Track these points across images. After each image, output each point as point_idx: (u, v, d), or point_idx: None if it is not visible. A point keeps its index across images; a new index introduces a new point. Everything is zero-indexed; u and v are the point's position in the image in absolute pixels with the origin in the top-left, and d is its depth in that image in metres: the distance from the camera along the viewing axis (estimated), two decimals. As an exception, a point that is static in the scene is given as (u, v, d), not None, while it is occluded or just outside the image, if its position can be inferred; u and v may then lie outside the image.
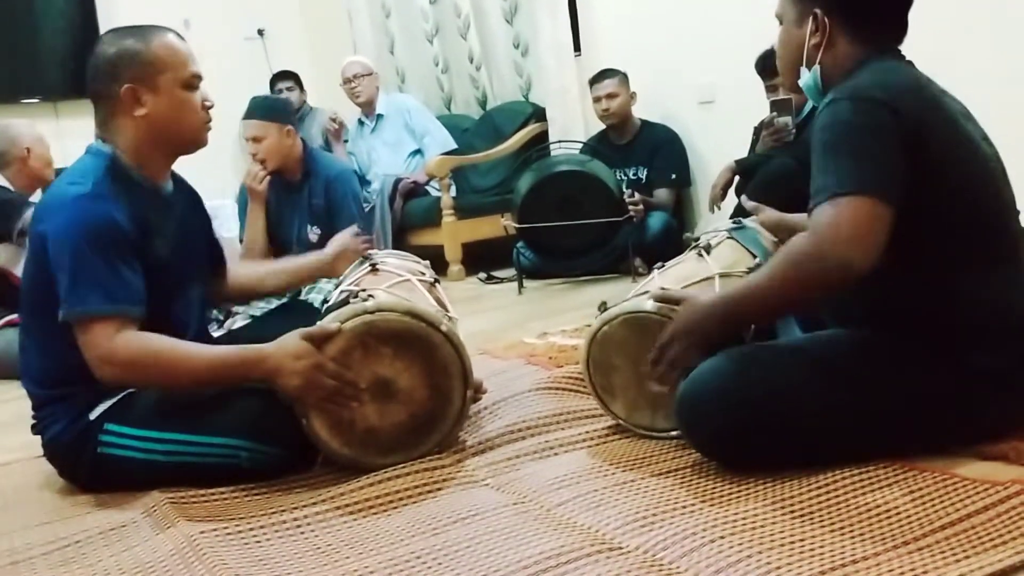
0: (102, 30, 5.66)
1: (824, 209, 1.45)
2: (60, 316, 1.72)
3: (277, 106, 3.62)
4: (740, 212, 3.36)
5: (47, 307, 1.76)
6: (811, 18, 1.63)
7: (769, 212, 2.04)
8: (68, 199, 1.78)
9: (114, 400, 1.82)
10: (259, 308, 3.33)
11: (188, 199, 2.05)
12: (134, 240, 1.78)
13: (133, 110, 1.84)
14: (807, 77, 1.67)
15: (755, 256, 1.98)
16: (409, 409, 1.79)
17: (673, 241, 4.02)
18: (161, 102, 1.85)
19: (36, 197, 3.68)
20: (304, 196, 3.59)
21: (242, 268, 2.32)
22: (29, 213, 3.41)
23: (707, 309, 1.62)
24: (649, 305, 1.75)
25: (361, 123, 5.20)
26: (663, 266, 2.04)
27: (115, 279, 1.72)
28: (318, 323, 1.77)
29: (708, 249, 2.01)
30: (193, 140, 1.93)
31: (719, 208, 3.91)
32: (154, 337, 1.73)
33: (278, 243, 3.68)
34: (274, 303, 3.30)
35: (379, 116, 5.12)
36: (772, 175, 3.40)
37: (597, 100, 4.40)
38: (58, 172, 3.66)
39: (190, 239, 2.01)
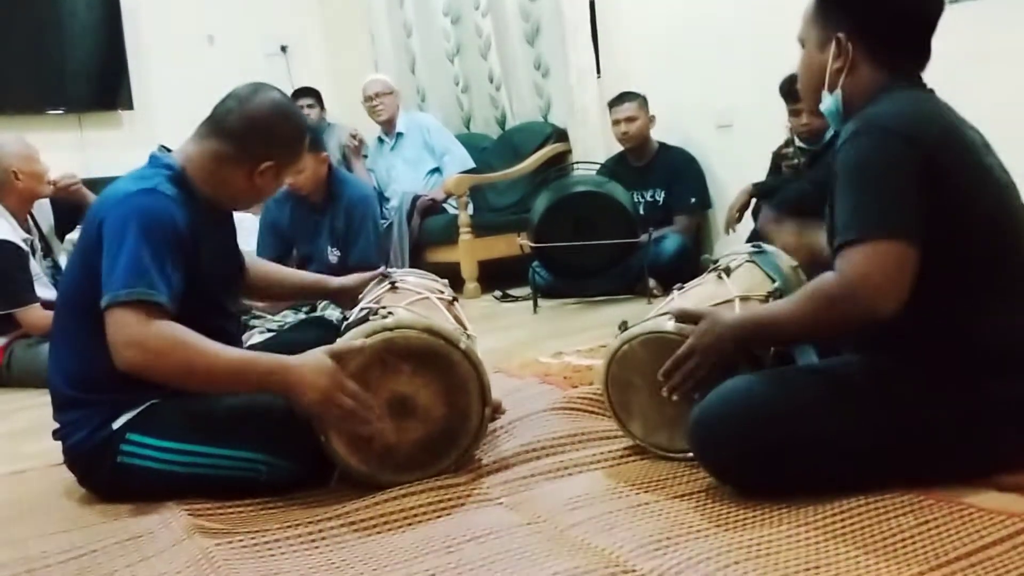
0: (128, 43, 5.74)
1: (852, 253, 1.47)
2: (104, 300, 1.73)
3: (314, 135, 3.60)
4: (757, 236, 3.38)
5: (89, 302, 1.77)
6: (834, 43, 1.63)
7: (788, 232, 2.05)
8: (131, 192, 1.82)
9: (138, 411, 1.83)
10: (275, 323, 3.36)
11: (231, 221, 2.11)
12: (186, 243, 1.82)
13: (254, 177, 1.93)
14: (829, 101, 1.68)
15: (774, 280, 1.98)
16: (427, 427, 1.79)
17: (688, 263, 4.02)
18: (272, 185, 1.99)
19: (35, 209, 3.63)
20: (327, 217, 3.61)
21: (260, 268, 2.35)
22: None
23: (730, 328, 1.65)
24: (670, 326, 1.75)
25: (381, 141, 5.24)
26: (683, 287, 2.04)
27: (160, 271, 1.75)
28: (340, 340, 1.78)
29: (728, 272, 2.01)
30: (246, 208, 2.11)
31: (734, 230, 3.92)
32: (184, 329, 1.74)
33: (298, 262, 3.71)
34: (290, 317, 3.33)
35: (399, 134, 5.15)
36: (790, 202, 3.42)
37: (616, 123, 4.42)
38: (87, 184, 3.68)
39: (229, 258, 2.07)
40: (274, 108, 1.92)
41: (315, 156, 3.50)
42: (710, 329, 1.65)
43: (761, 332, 1.64)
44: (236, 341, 2.04)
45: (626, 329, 1.83)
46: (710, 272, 2.07)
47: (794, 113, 3.49)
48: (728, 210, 3.96)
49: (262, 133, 1.90)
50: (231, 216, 2.10)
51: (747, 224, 3.87)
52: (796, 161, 3.68)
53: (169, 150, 1.97)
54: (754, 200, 3.88)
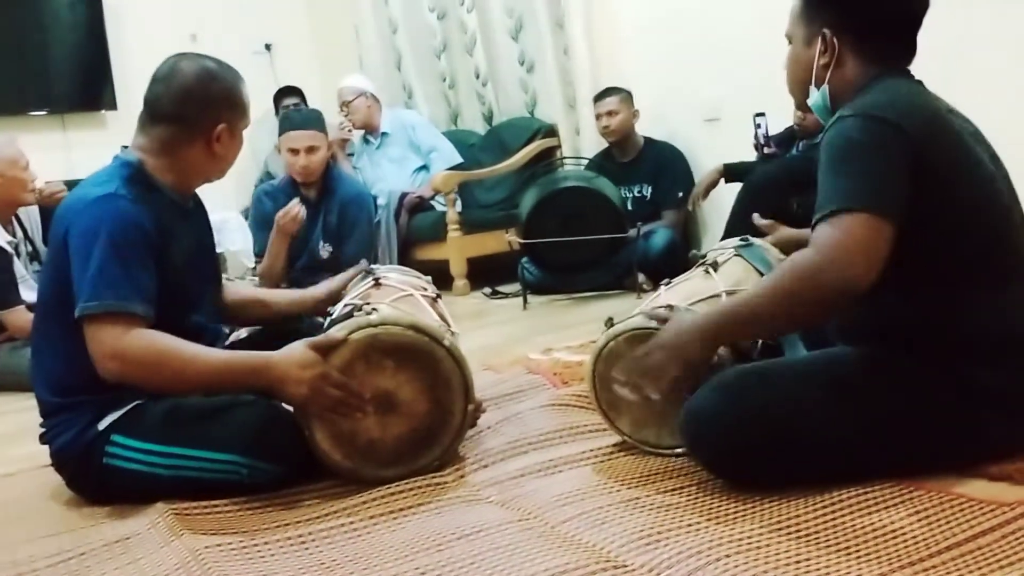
0: (111, 43, 5.71)
1: (826, 225, 1.46)
2: (76, 312, 1.72)
3: (323, 118, 3.64)
4: (734, 223, 3.40)
5: (64, 311, 1.76)
6: (820, 38, 1.63)
7: (782, 230, 2.05)
8: (92, 199, 1.80)
9: (122, 411, 1.82)
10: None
11: (203, 214, 2.08)
12: (154, 242, 1.80)
13: (214, 146, 1.90)
14: (816, 97, 1.68)
15: (762, 274, 1.99)
16: (410, 422, 1.79)
17: (677, 258, 4.03)
18: (232, 146, 1.94)
19: (22, 212, 3.59)
20: (320, 212, 3.60)
21: (235, 289, 2.32)
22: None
23: (693, 325, 1.61)
24: (655, 322, 1.75)
25: (367, 140, 5.21)
26: (670, 282, 2.04)
27: (131, 278, 1.74)
28: (324, 334, 1.77)
29: (715, 266, 2.01)
30: (220, 176, 2.00)
31: (699, 206, 4.03)
32: (163, 336, 1.73)
33: (290, 256, 3.69)
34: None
35: (384, 134, 5.12)
36: (756, 185, 3.46)
37: (598, 117, 4.44)
38: (69, 184, 3.65)
39: (204, 252, 2.05)
40: (199, 73, 1.88)
41: (326, 139, 3.53)
42: (673, 327, 1.62)
43: (731, 322, 1.57)
44: (216, 339, 2.02)
45: (612, 326, 1.82)
46: (697, 267, 2.08)
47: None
48: (696, 186, 4.04)
49: (200, 102, 1.87)
50: (203, 210, 2.08)
51: (716, 204, 3.97)
52: (757, 143, 3.73)
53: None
54: (723, 180, 3.93)
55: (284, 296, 2.45)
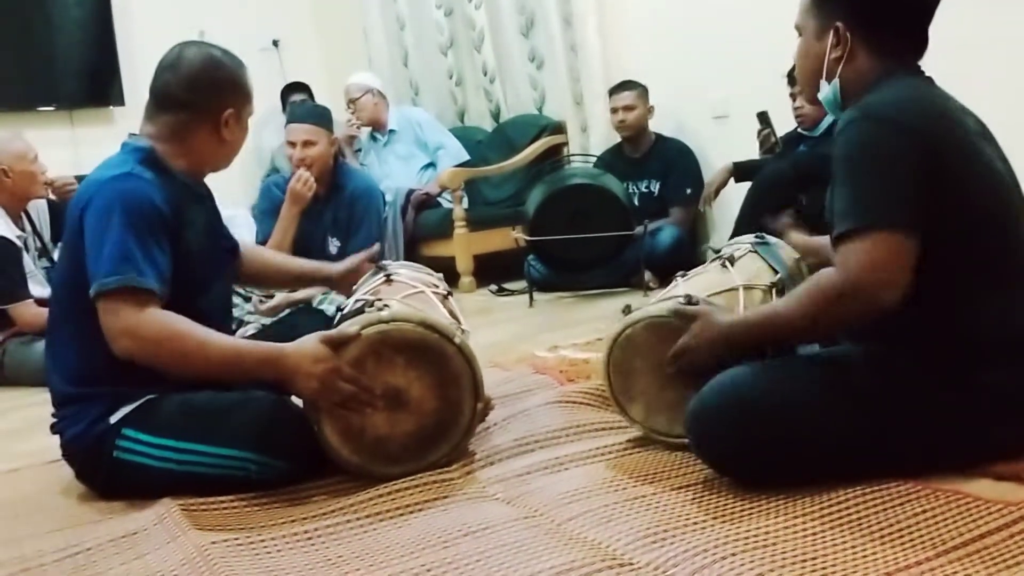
0: (118, 39, 5.72)
1: (853, 245, 1.46)
2: (92, 289, 1.72)
3: (327, 114, 3.64)
4: (743, 221, 3.39)
5: (80, 295, 1.77)
6: (832, 31, 1.63)
7: (794, 235, 2.05)
8: (107, 179, 1.82)
9: (135, 405, 1.82)
10: (269, 318, 3.34)
11: (212, 201, 2.09)
12: (169, 223, 1.81)
13: (221, 132, 1.92)
14: (827, 90, 1.67)
15: (776, 271, 1.98)
16: (419, 419, 1.79)
17: (684, 255, 4.03)
18: (239, 132, 1.97)
19: (30, 207, 3.61)
20: (329, 208, 3.60)
21: (256, 254, 2.35)
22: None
23: (721, 333, 1.65)
24: (676, 311, 1.75)
25: (374, 138, 5.22)
26: (686, 274, 2.04)
27: (147, 256, 1.74)
28: (336, 328, 1.78)
29: (732, 260, 2.01)
30: (227, 164, 2.03)
31: (710, 207, 3.98)
32: (178, 317, 1.74)
33: (298, 251, 3.70)
34: (286, 311, 3.32)
35: (391, 131, 5.13)
36: (766, 182, 3.45)
37: (614, 111, 4.42)
38: (79, 179, 3.65)
39: (215, 235, 2.06)
40: (205, 60, 1.92)
41: (327, 135, 3.51)
42: (702, 332, 1.67)
43: (762, 333, 1.62)
44: (224, 325, 2.03)
45: (630, 313, 1.83)
46: (713, 261, 2.07)
47: (792, 96, 3.50)
48: (706, 186, 4.01)
49: (207, 87, 1.90)
50: (211, 196, 2.09)
51: (724, 204, 3.94)
52: (774, 140, 3.71)
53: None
54: (732, 179, 3.91)
55: (304, 263, 2.49)
